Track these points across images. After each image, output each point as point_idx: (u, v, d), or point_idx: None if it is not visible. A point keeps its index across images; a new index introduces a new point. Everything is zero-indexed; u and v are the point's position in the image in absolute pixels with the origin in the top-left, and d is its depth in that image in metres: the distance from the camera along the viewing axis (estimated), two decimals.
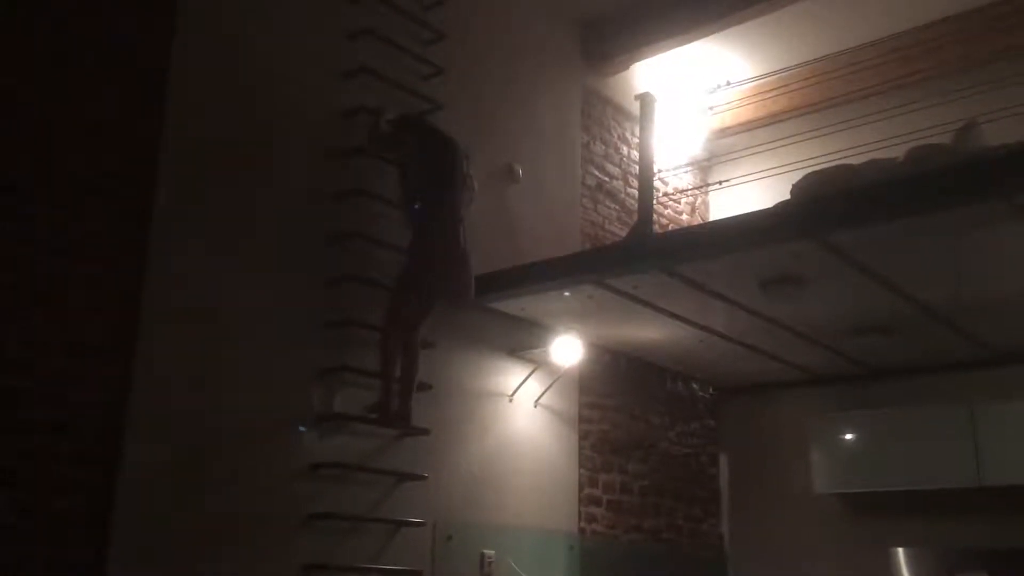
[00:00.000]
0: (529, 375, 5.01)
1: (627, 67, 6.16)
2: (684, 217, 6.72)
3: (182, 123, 3.70)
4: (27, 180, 3.28)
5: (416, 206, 4.14)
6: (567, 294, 4.62)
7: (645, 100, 4.86)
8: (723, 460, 6.56)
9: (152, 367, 3.43)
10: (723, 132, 6.78)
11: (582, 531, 5.24)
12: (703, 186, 6.89)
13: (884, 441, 5.68)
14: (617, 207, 6.04)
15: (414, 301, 4.12)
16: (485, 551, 4.56)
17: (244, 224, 3.87)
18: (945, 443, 5.38)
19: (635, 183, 5.83)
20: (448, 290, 4.14)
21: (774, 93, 6.43)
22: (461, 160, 4.29)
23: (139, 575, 3.26)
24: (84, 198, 3.40)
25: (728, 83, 6.64)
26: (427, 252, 4.08)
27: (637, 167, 5.46)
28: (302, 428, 3.87)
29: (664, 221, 6.43)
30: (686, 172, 6.78)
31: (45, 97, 3.38)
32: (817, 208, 3.90)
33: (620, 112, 6.22)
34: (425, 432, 4.27)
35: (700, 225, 6.59)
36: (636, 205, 5.12)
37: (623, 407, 5.75)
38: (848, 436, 5.87)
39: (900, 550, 5.66)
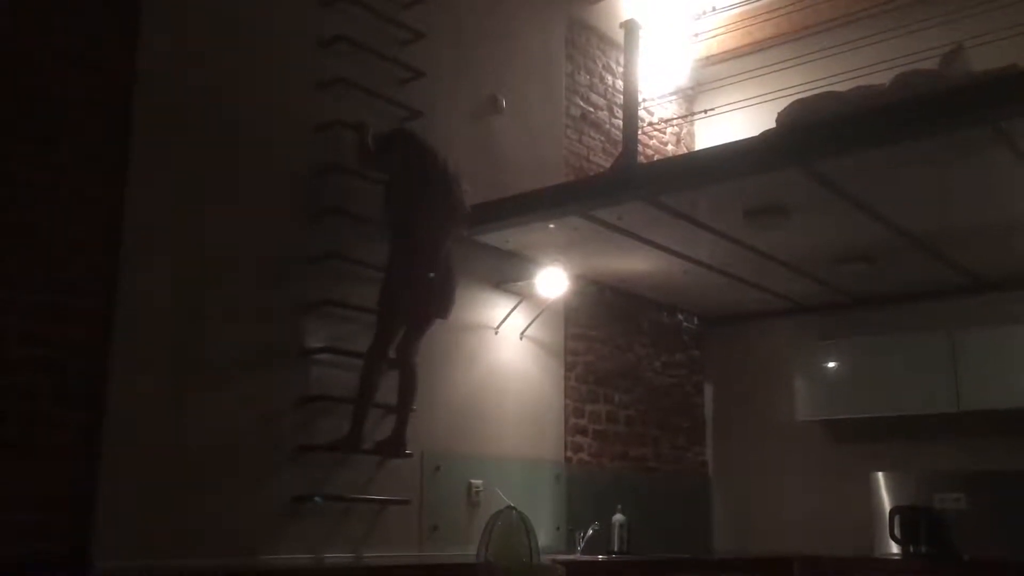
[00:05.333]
0: (515, 307, 5.02)
1: None
2: (669, 147, 6.67)
3: (157, 55, 3.61)
4: (2, 115, 3.21)
5: (394, 221, 4.01)
6: (552, 226, 4.61)
7: (630, 27, 4.78)
8: (708, 389, 6.65)
9: (135, 302, 3.41)
10: (708, 60, 6.70)
11: (568, 460, 5.31)
12: (688, 115, 6.83)
13: (866, 368, 5.76)
14: (602, 138, 5.99)
15: (393, 323, 3.98)
16: (473, 481, 4.62)
17: (226, 157, 3.81)
18: (925, 370, 5.47)
19: (620, 113, 5.77)
20: (427, 312, 4.02)
21: (760, 19, 6.33)
22: (446, 177, 4.09)
23: (128, 511, 3.28)
24: (62, 132, 3.33)
25: (713, 9, 6.54)
26: (403, 272, 3.93)
27: (622, 97, 5.39)
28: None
29: (649, 152, 6.38)
30: (671, 102, 6.71)
31: (18, 30, 3.28)
32: (802, 136, 3.88)
33: (605, 41, 6.12)
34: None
35: (685, 155, 6.55)
36: (621, 136, 5.07)
37: (608, 338, 5.78)
38: (830, 364, 5.95)
39: (880, 474, 5.78)
